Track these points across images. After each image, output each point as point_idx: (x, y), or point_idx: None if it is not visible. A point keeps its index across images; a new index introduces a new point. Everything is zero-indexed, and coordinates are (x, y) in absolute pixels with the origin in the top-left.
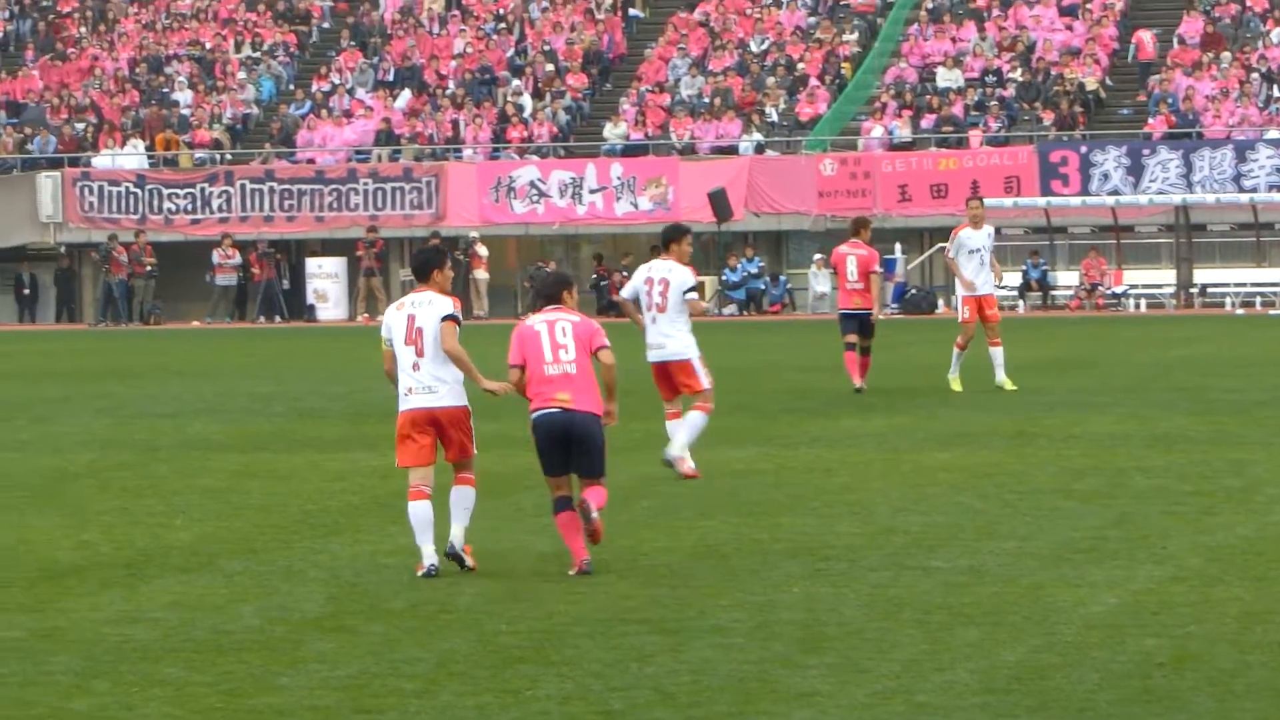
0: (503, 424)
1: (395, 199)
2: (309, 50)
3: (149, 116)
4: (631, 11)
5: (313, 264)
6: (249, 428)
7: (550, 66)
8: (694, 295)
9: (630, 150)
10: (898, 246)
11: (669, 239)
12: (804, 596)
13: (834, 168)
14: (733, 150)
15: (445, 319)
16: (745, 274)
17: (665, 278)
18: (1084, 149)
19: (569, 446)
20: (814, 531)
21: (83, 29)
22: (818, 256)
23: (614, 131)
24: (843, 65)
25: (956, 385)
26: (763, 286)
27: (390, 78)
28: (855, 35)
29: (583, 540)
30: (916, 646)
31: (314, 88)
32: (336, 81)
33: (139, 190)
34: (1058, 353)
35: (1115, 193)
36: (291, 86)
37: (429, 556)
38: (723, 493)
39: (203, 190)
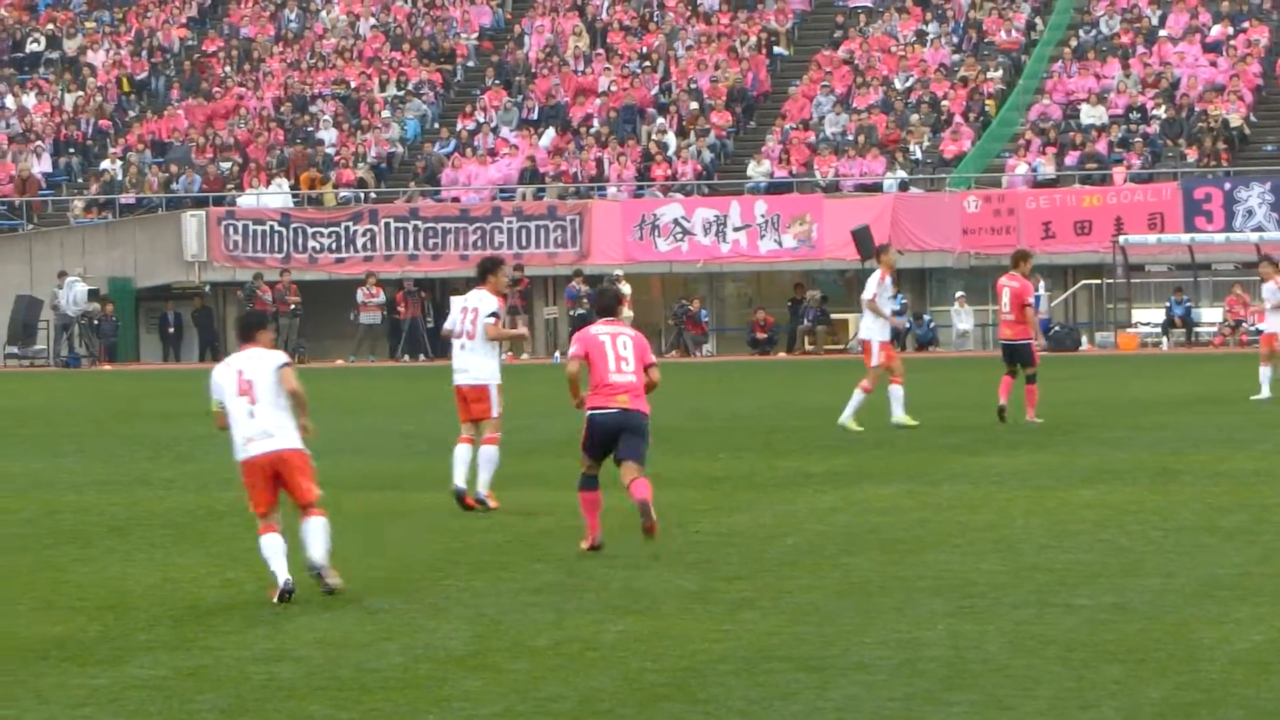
0: (650, 462)
1: (540, 237)
2: (454, 89)
3: (294, 155)
4: (776, 49)
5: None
6: (393, 466)
7: (695, 104)
8: (491, 320)
9: (774, 188)
10: (1041, 283)
11: (485, 270)
12: (948, 633)
13: (978, 205)
14: (877, 188)
15: (283, 366)
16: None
17: (476, 307)
18: (1228, 185)
19: (618, 438)
20: (958, 568)
21: (228, 68)
22: (960, 294)
23: (758, 169)
24: (987, 102)
25: (855, 426)
26: (907, 324)
27: (535, 116)
28: (999, 72)
29: (598, 519)
30: (1061, 684)
31: (459, 126)
32: (481, 120)
33: (283, 229)
34: (1201, 389)
35: (1259, 229)
36: (436, 125)
37: (283, 577)
38: (866, 529)
39: (347, 229)
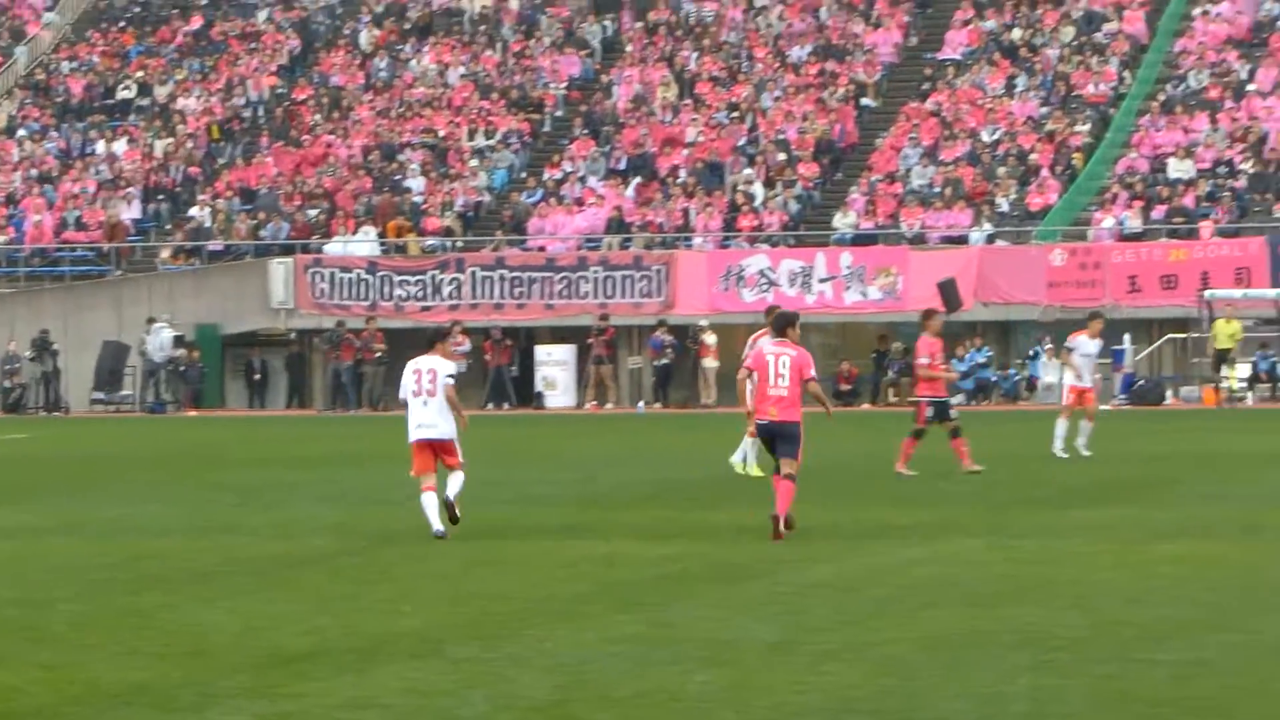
0: (735, 513)
1: (625, 287)
2: (541, 138)
3: (381, 203)
4: (864, 101)
5: (542, 351)
6: (477, 515)
7: (782, 155)
8: (450, 381)
9: (860, 239)
10: (1126, 337)
11: (435, 339)
12: (1030, 688)
13: (1064, 258)
14: (963, 240)
15: None
16: (973, 364)
17: (434, 369)
18: None
19: (775, 441)
20: (1041, 622)
21: (317, 116)
22: (1047, 346)
23: (844, 220)
24: (1074, 156)
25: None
26: (992, 377)
27: (622, 166)
28: (1087, 126)
29: (784, 502)
30: None
31: (546, 175)
32: (568, 169)
33: (370, 277)
34: None
35: None
36: (523, 174)
37: None
38: (951, 582)
39: (434, 277)
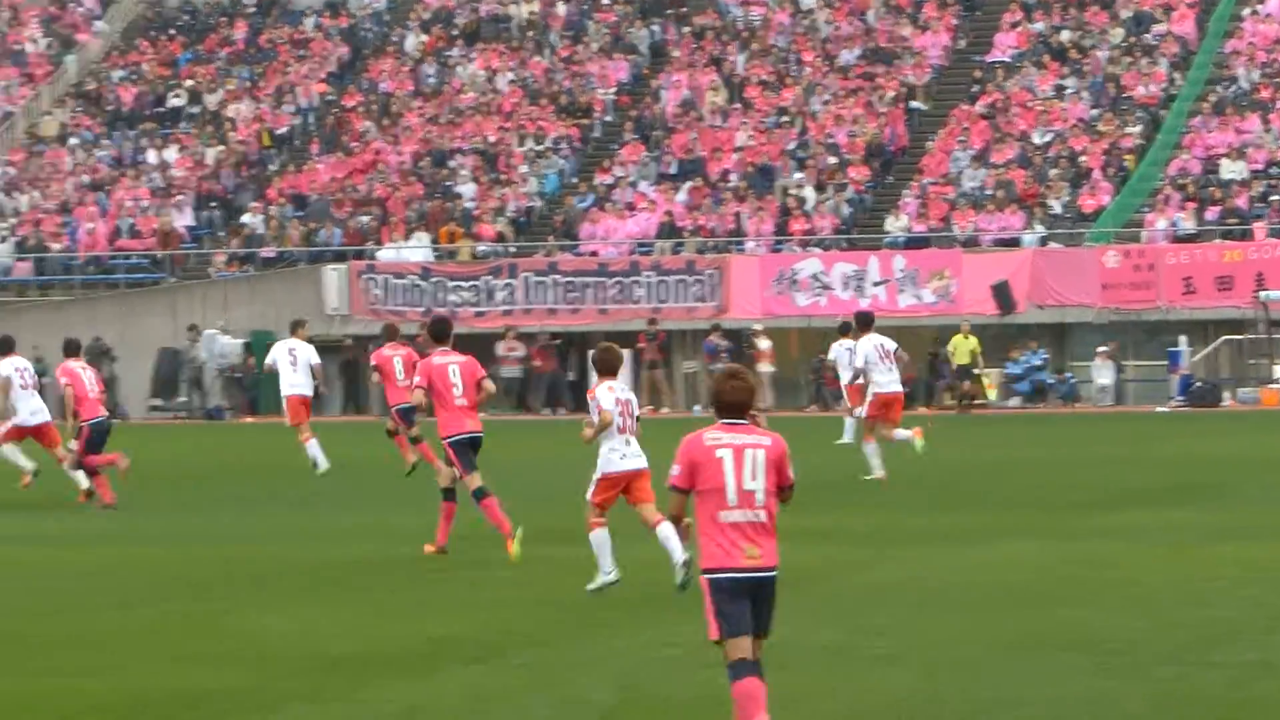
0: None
1: (678, 291)
2: (591, 144)
3: (433, 209)
4: (913, 104)
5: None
6: (535, 520)
7: (832, 159)
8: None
9: (913, 243)
10: (1182, 339)
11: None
12: (1089, 691)
13: (1117, 260)
14: (1015, 242)
15: None
16: (1028, 366)
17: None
18: None
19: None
20: (1097, 625)
21: (367, 123)
22: (1101, 349)
23: (896, 224)
24: (1125, 157)
25: None
26: (1048, 380)
27: (673, 170)
28: (1138, 127)
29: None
30: None
31: (597, 181)
32: (619, 174)
33: (424, 282)
34: None
35: None
36: (574, 179)
37: None
38: (1005, 586)
39: (487, 283)
